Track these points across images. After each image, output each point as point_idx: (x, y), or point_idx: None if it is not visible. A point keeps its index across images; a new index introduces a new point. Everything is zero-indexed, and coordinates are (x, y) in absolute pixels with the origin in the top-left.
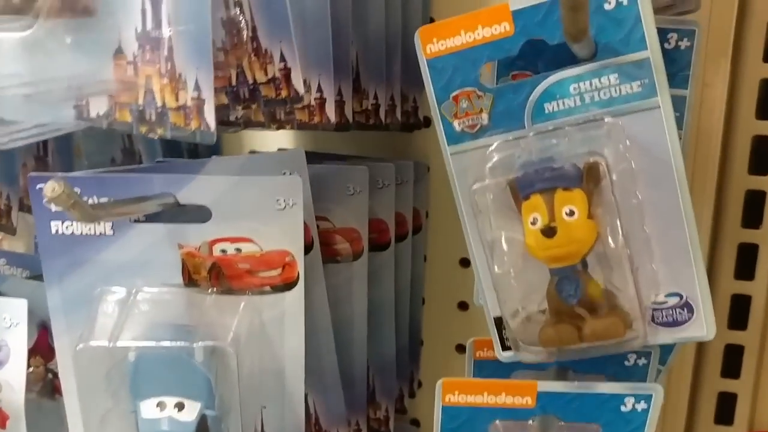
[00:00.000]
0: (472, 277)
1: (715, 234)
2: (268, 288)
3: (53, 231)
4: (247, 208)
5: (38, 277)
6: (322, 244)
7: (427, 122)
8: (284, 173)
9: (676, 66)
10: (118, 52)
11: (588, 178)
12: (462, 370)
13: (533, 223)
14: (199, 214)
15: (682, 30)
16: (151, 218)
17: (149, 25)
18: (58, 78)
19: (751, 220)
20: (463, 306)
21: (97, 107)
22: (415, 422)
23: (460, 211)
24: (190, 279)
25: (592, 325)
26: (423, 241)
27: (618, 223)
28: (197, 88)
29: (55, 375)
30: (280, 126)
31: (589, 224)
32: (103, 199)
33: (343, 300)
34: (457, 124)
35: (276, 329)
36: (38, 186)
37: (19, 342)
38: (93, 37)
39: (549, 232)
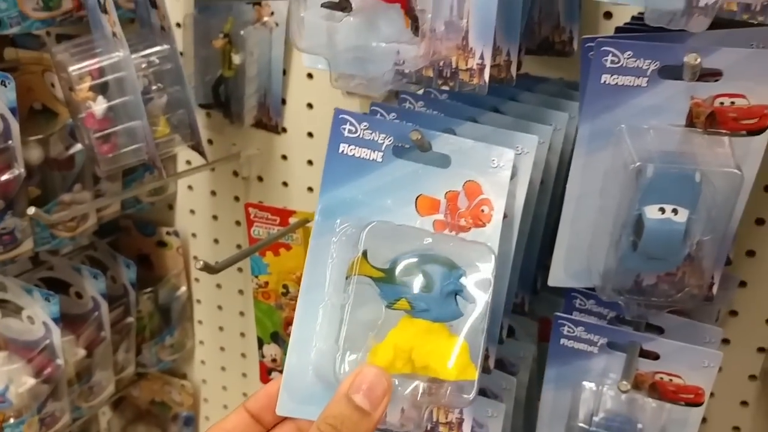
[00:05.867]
0: None
1: None
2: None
3: None
4: None
5: None
6: None
7: None
8: None
9: None
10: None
11: None
12: None
13: None
14: None
15: None
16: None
17: (454, 16)
18: (380, 47)
19: None
20: None
21: (413, 65)
22: None
23: None
24: (690, 122)
25: None
26: None
27: None
28: (481, 57)
29: None
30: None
31: None
32: None
33: None
34: None
35: None
36: None
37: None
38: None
39: None
